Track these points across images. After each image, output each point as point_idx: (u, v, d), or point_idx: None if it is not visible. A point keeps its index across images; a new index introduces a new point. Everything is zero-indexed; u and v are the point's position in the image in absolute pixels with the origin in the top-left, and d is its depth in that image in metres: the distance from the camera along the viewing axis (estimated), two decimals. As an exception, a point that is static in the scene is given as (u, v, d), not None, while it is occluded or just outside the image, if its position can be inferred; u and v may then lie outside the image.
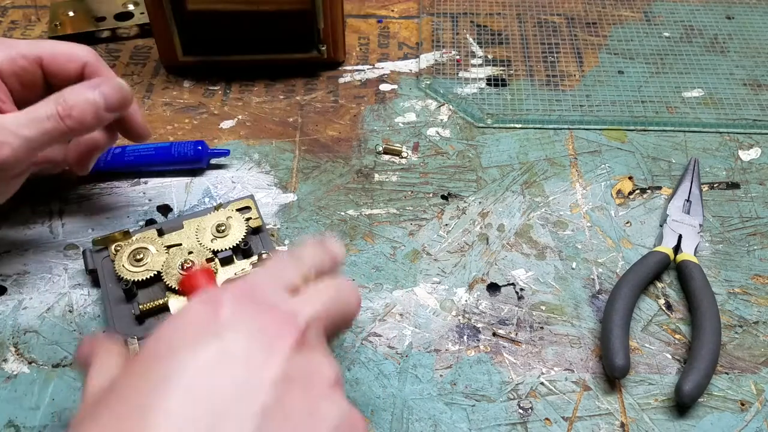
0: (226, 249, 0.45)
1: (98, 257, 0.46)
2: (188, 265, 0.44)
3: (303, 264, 0.34)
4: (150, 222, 0.50)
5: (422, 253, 0.50)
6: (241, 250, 0.46)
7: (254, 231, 0.47)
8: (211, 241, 0.45)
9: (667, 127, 0.58)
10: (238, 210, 0.47)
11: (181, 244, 0.46)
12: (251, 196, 0.49)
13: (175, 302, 0.43)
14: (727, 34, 0.67)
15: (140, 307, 0.43)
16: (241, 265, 0.46)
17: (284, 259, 0.34)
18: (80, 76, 0.44)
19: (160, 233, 0.46)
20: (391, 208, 0.52)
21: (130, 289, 0.44)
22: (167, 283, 0.44)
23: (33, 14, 0.70)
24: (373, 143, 0.57)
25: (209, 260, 0.45)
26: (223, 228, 0.46)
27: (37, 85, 0.44)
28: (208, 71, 0.63)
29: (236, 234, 0.46)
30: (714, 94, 0.61)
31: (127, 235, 0.46)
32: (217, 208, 0.47)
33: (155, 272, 0.44)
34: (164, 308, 0.43)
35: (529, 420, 0.41)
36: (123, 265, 0.44)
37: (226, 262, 0.45)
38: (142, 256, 0.45)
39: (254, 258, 0.46)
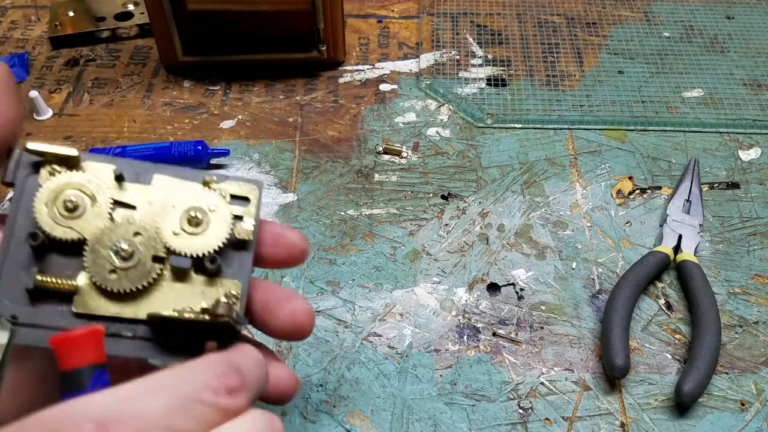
0: (186, 254, 0.30)
1: (25, 172, 0.30)
2: (124, 255, 0.29)
3: (234, 385, 0.24)
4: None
5: (422, 253, 0.50)
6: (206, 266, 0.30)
7: (237, 245, 0.31)
8: (174, 232, 0.30)
9: (667, 127, 0.58)
10: (233, 197, 0.32)
11: (135, 209, 0.30)
12: (259, 184, 0.32)
13: (84, 298, 0.29)
14: (727, 34, 0.67)
15: (38, 278, 0.29)
16: (194, 290, 0.30)
17: (210, 376, 0.24)
18: None
19: (119, 179, 0.31)
20: (391, 208, 0.52)
21: (41, 246, 0.29)
22: (86, 266, 0.29)
23: (33, 14, 0.70)
24: (373, 143, 0.57)
25: (157, 259, 0.30)
26: (197, 221, 0.30)
27: None
28: (208, 71, 0.63)
29: (210, 237, 0.30)
30: (714, 94, 0.61)
31: (74, 160, 0.30)
32: (206, 183, 0.31)
33: (80, 238, 0.29)
34: (67, 296, 0.29)
35: (529, 420, 0.41)
36: (46, 205, 0.29)
37: (179, 274, 0.30)
38: (76, 204, 0.29)
39: (217, 293, 0.30)
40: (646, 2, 0.71)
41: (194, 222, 0.30)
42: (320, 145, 0.57)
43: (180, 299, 0.30)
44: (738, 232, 0.51)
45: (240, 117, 0.59)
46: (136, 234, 0.30)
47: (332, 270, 0.48)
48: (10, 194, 0.43)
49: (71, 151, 0.30)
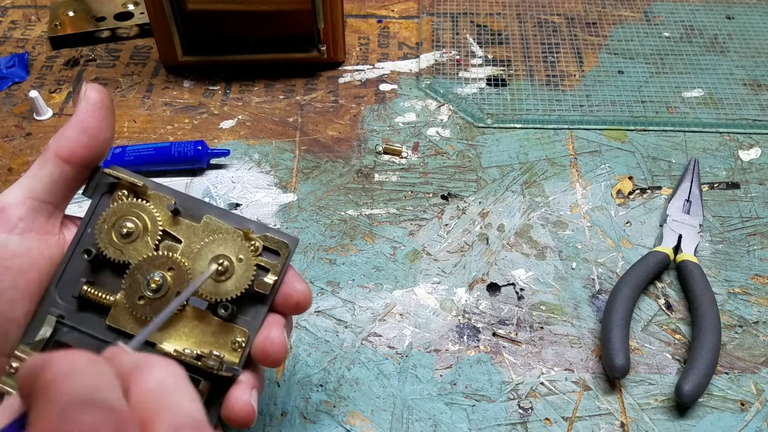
0: (206, 297, 0.33)
1: (102, 191, 0.34)
2: (154, 287, 0.33)
3: None
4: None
5: (422, 253, 0.50)
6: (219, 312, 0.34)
7: (254, 297, 0.34)
8: (202, 274, 0.33)
9: (667, 127, 0.58)
10: (266, 248, 0.34)
11: (181, 242, 0.34)
12: (293, 242, 0.35)
13: (116, 314, 0.33)
14: (727, 34, 0.67)
15: (83, 289, 0.33)
16: (206, 330, 0.33)
17: None
18: None
19: (176, 212, 0.34)
20: (391, 208, 0.52)
21: (96, 260, 0.34)
22: (123, 287, 0.33)
23: (33, 14, 0.70)
24: (373, 143, 0.57)
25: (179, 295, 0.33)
26: (224, 269, 0.33)
27: None
28: (208, 71, 0.63)
29: (230, 287, 0.33)
30: (714, 94, 0.61)
31: (141, 188, 0.34)
32: (246, 234, 0.34)
33: (126, 261, 0.33)
34: (106, 310, 0.33)
35: (529, 420, 0.41)
36: (106, 226, 0.33)
37: (198, 313, 0.34)
38: (131, 231, 0.33)
39: (226, 338, 0.33)
40: (646, 2, 0.71)
41: (221, 270, 0.33)
42: (320, 145, 0.57)
43: (192, 336, 0.34)
44: (738, 232, 0.51)
45: (240, 117, 0.59)
46: (170, 269, 0.33)
47: (332, 270, 0.48)
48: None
49: (139, 181, 0.34)
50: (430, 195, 0.53)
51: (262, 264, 0.34)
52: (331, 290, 0.47)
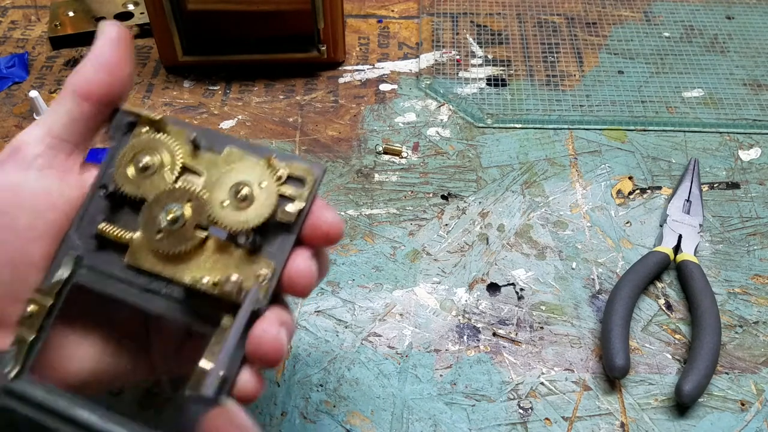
0: (227, 228, 0.30)
1: (122, 130, 0.33)
2: (171, 219, 0.31)
3: None
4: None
5: (422, 253, 0.50)
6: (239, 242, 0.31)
7: (279, 228, 0.31)
8: (222, 204, 0.31)
9: (667, 127, 0.58)
10: (290, 176, 0.31)
11: (200, 175, 0.32)
12: (320, 168, 0.32)
13: (134, 252, 0.31)
14: (727, 34, 0.67)
15: (100, 227, 0.31)
16: (229, 262, 0.31)
17: None
18: None
19: (195, 146, 0.33)
20: (391, 208, 0.52)
21: (115, 198, 0.32)
22: (140, 223, 0.31)
23: (33, 14, 0.70)
24: (373, 143, 0.57)
25: (201, 227, 0.31)
26: (244, 196, 0.31)
27: None
28: (208, 71, 0.63)
29: (251, 215, 0.30)
30: (714, 94, 0.61)
31: (160, 123, 0.32)
32: (269, 161, 0.31)
33: (143, 196, 0.32)
34: (125, 248, 0.31)
35: (529, 420, 0.41)
36: (124, 161, 0.32)
37: (220, 245, 0.31)
38: (148, 165, 0.32)
39: (250, 270, 0.31)
40: (646, 2, 0.71)
41: (241, 197, 0.31)
42: (320, 145, 0.57)
43: (213, 269, 0.31)
44: (738, 232, 0.51)
45: (240, 117, 0.59)
46: (189, 200, 0.31)
47: (332, 270, 0.48)
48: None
49: (156, 115, 0.32)
50: (430, 195, 0.53)
51: (287, 195, 0.31)
52: (331, 290, 0.47)
